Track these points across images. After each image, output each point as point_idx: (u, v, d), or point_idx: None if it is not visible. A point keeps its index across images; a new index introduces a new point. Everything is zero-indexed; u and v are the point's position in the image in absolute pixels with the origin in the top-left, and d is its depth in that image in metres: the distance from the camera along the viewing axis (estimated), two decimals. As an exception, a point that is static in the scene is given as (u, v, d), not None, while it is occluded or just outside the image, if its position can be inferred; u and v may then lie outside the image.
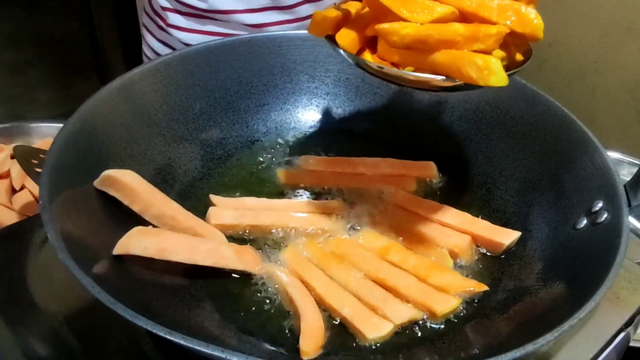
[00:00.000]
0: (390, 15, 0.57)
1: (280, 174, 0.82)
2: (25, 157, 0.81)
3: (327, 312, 0.64)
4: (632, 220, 0.64)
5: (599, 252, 0.60)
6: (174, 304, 0.62)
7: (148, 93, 0.78)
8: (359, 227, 0.74)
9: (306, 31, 0.64)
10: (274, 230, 0.73)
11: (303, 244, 0.71)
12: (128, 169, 0.70)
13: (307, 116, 0.91)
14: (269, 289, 0.66)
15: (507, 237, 0.71)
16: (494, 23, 0.56)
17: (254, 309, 0.64)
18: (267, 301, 0.65)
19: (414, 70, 0.59)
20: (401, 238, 0.73)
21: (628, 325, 0.65)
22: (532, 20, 0.56)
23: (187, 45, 1.05)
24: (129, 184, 0.68)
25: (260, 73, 0.88)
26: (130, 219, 0.68)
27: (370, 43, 0.63)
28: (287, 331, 0.62)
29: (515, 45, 0.62)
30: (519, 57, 0.63)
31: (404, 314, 0.63)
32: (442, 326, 0.64)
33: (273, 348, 0.60)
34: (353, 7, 0.63)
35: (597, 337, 0.63)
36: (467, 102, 0.85)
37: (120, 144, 0.73)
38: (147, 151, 0.76)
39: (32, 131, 1.13)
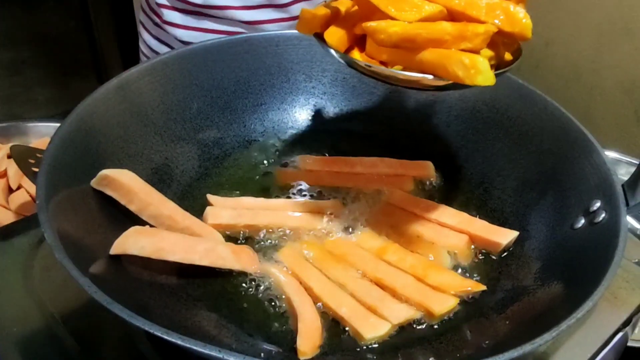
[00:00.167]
0: (378, 14, 0.57)
1: (278, 173, 0.82)
2: (22, 156, 0.81)
3: (325, 312, 0.64)
4: (630, 219, 0.64)
5: (597, 251, 0.60)
6: (171, 304, 0.62)
7: (145, 92, 0.78)
8: (356, 227, 0.74)
9: (303, 31, 0.64)
10: (271, 230, 0.73)
11: (300, 244, 0.71)
12: (125, 168, 0.70)
13: (304, 116, 0.90)
14: (267, 289, 0.66)
15: (505, 236, 0.71)
16: (482, 22, 0.56)
17: (251, 308, 0.64)
18: (265, 301, 0.65)
19: (403, 69, 0.59)
20: (399, 238, 0.72)
21: (626, 325, 0.65)
22: (521, 20, 0.56)
23: (183, 42, 1.05)
24: (126, 184, 0.68)
25: (257, 73, 0.88)
26: (127, 218, 0.68)
27: (360, 41, 0.63)
28: (284, 331, 0.62)
29: (505, 45, 0.61)
30: (508, 56, 0.63)
31: (401, 313, 0.63)
32: (440, 326, 0.64)
33: (270, 348, 0.60)
34: (343, 5, 0.63)
35: (595, 337, 0.63)
36: (465, 101, 0.85)
37: (118, 143, 0.73)
38: (144, 151, 0.76)
39: (29, 131, 1.13)
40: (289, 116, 0.90)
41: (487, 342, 0.60)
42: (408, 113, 0.89)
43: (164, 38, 1.08)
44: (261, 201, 0.77)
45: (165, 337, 0.47)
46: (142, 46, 1.15)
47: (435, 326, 0.64)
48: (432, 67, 0.56)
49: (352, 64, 0.62)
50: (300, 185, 0.81)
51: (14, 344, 0.60)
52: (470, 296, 0.66)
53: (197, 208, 0.74)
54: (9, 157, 1.02)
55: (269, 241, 0.72)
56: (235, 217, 0.73)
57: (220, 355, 0.46)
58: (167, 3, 1.03)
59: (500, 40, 0.60)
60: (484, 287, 0.66)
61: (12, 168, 1.01)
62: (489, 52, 0.58)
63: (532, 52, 1.29)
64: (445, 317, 0.64)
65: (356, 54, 0.62)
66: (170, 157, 0.79)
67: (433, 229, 0.73)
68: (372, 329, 0.61)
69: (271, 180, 0.82)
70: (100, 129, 0.71)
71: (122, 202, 0.68)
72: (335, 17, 0.63)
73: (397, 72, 0.59)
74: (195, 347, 0.47)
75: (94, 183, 0.67)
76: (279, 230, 0.73)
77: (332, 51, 0.62)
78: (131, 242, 0.63)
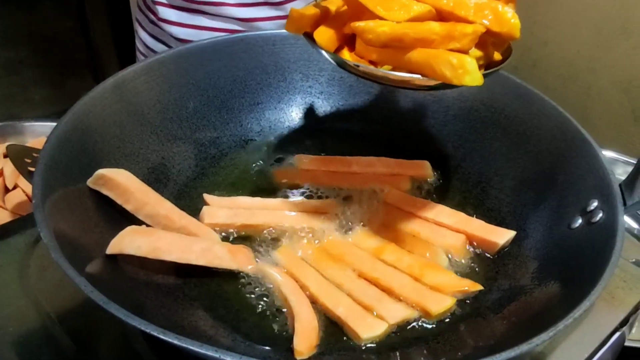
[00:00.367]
0: (367, 13, 0.57)
1: (274, 173, 0.82)
2: (19, 156, 0.80)
3: (322, 312, 0.64)
4: (627, 219, 0.64)
5: (594, 251, 0.60)
6: (168, 304, 0.61)
7: (141, 92, 0.78)
8: (353, 227, 0.74)
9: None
10: (267, 230, 0.73)
11: (297, 244, 0.71)
12: (121, 168, 0.70)
13: (301, 115, 0.90)
14: (263, 288, 0.66)
15: (502, 236, 0.71)
16: (470, 22, 0.56)
17: (248, 308, 0.64)
18: (261, 301, 0.65)
19: (392, 69, 0.59)
20: (395, 237, 0.72)
21: (623, 324, 0.65)
22: (509, 20, 0.55)
23: (178, 39, 1.05)
24: (122, 183, 0.67)
25: (254, 72, 0.88)
26: (123, 218, 0.67)
27: (350, 41, 0.63)
28: (281, 331, 0.62)
29: (494, 45, 0.61)
30: (497, 56, 0.63)
31: (398, 313, 0.63)
32: (437, 326, 0.64)
33: (267, 348, 0.60)
34: (333, 5, 0.63)
35: (592, 336, 0.63)
36: (462, 101, 0.85)
37: (114, 142, 0.73)
38: (140, 150, 0.76)
39: (25, 130, 1.13)
40: (286, 115, 0.90)
41: (484, 341, 0.60)
42: (405, 112, 0.89)
43: (159, 36, 1.08)
44: (258, 201, 0.76)
45: (162, 337, 0.47)
46: (138, 44, 1.15)
47: (432, 326, 0.64)
48: (421, 67, 0.56)
49: (341, 64, 0.62)
50: (297, 184, 0.80)
51: (10, 343, 0.60)
52: (467, 296, 0.66)
53: (193, 207, 0.74)
54: (5, 156, 1.01)
55: (266, 241, 0.72)
56: (231, 216, 0.72)
57: (216, 355, 0.46)
58: (162, 0, 1.03)
59: (489, 40, 0.60)
60: (481, 287, 0.66)
61: (9, 167, 1.01)
62: (477, 52, 0.59)
63: (530, 52, 1.29)
64: (442, 317, 0.64)
65: (346, 54, 0.62)
66: (167, 157, 0.79)
67: (430, 228, 0.73)
68: (369, 329, 0.61)
69: (268, 179, 0.82)
70: (96, 128, 0.71)
71: (119, 201, 0.68)
72: (325, 17, 0.63)
73: (386, 72, 0.59)
74: (191, 347, 0.46)
75: (90, 182, 0.67)
76: (276, 229, 0.72)
77: (322, 51, 0.62)
78: (127, 242, 0.63)
